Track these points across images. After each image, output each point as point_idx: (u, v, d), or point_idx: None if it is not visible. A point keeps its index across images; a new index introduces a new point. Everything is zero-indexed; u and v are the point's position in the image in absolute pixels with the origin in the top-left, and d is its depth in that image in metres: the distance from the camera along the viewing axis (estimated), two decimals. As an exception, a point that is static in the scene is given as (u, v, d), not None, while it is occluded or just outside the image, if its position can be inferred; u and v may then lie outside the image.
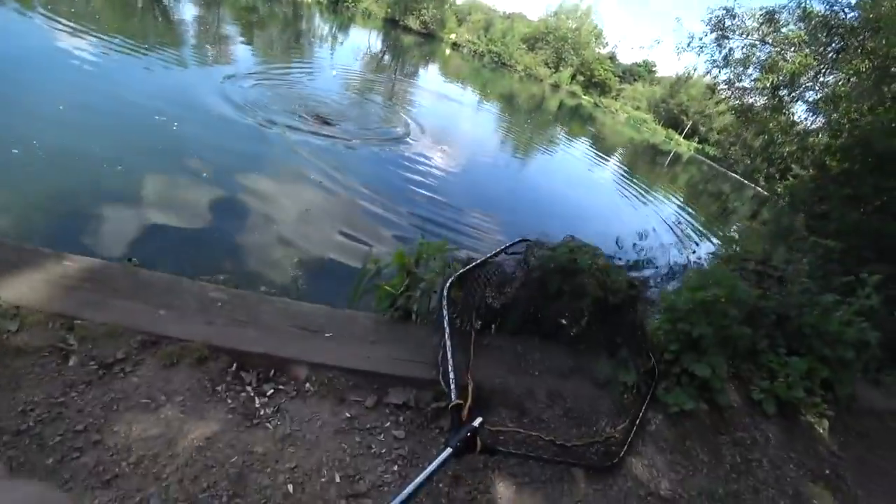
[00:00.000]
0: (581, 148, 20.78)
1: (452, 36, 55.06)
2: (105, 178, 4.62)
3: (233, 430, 1.77)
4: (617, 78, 58.61)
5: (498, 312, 2.79)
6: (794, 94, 9.79)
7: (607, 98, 55.63)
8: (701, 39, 11.55)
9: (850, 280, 3.77)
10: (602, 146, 24.61)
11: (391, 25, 49.11)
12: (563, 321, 2.86)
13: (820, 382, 3.13)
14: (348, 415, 2.00)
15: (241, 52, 12.72)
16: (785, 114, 10.21)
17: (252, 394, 1.93)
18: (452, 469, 1.91)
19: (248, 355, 2.03)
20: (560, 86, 53.15)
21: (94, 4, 13.93)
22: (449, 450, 1.00)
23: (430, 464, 0.92)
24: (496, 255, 3.07)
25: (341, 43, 25.94)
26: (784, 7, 9.74)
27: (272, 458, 1.73)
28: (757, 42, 10.57)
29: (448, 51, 48.90)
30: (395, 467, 1.86)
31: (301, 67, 12.84)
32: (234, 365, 2.00)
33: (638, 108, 56.12)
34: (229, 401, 1.87)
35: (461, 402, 1.21)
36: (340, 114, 9.16)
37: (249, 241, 4.48)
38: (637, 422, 2.46)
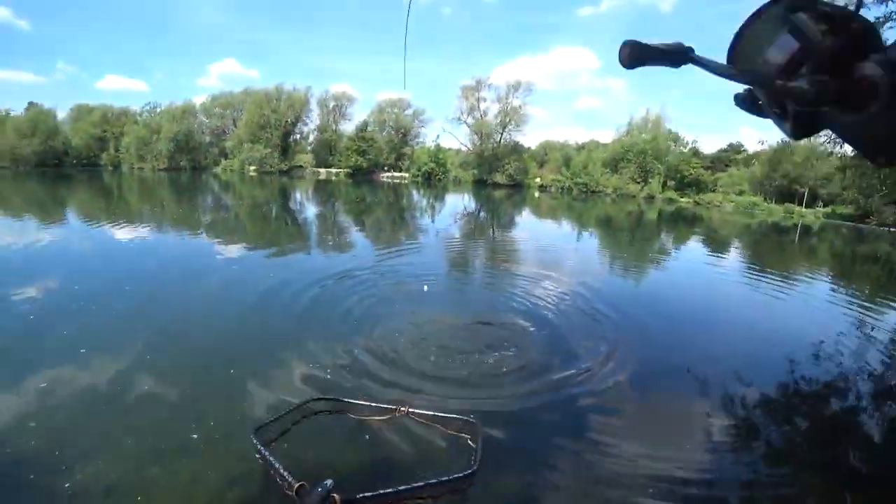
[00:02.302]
0: (695, 251, 19.83)
1: (537, 179, 59.52)
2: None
3: None
4: (707, 170, 56.90)
5: None
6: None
7: (705, 193, 53.59)
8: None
9: None
10: (715, 242, 23.23)
11: (480, 185, 54.74)
12: None
13: None
14: None
15: (357, 242, 15.17)
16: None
17: None
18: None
19: None
20: (654, 196, 52.95)
21: (241, 219, 18.48)
22: None
23: None
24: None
25: (440, 211, 29.33)
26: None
27: None
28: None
29: (537, 193, 52.36)
30: None
31: (411, 248, 14.57)
32: None
33: (742, 193, 52.91)
34: None
35: (304, 482, 1.09)
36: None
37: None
38: None
